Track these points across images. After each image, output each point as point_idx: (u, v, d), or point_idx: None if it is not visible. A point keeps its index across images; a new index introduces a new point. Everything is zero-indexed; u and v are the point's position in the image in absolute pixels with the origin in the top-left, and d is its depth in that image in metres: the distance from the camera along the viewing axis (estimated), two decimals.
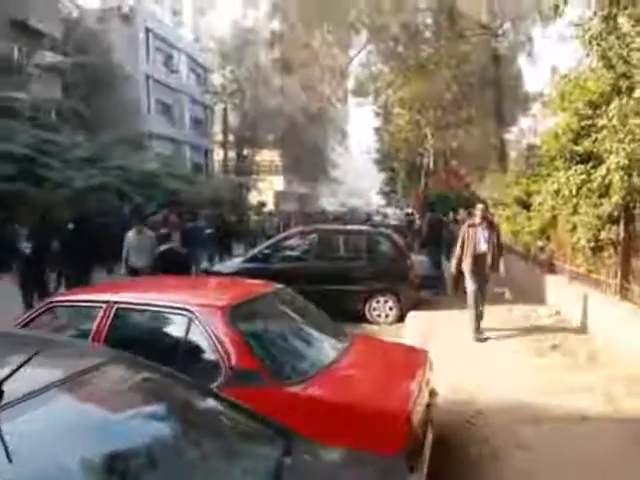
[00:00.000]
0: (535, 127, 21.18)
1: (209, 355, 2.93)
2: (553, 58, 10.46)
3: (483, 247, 6.97)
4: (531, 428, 4.07)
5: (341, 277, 8.72)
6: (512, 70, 27.26)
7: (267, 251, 8.91)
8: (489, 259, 6.96)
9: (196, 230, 11.29)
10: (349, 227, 9.15)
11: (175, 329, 3.12)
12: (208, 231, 12.03)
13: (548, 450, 3.77)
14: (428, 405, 3.70)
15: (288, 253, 9.14)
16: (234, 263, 9.19)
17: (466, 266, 7.04)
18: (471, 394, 4.84)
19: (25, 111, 22.13)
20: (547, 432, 4.01)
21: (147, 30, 33.25)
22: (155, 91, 34.10)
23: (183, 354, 3.03)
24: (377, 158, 40.91)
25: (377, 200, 69.70)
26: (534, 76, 23.19)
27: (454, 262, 7.25)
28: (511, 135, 22.88)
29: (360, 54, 22.14)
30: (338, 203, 69.21)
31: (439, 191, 20.25)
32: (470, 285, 7.05)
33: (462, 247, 7.08)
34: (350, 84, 38.09)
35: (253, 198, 44.73)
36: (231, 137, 43.88)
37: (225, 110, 43.47)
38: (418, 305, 8.93)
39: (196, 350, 3.05)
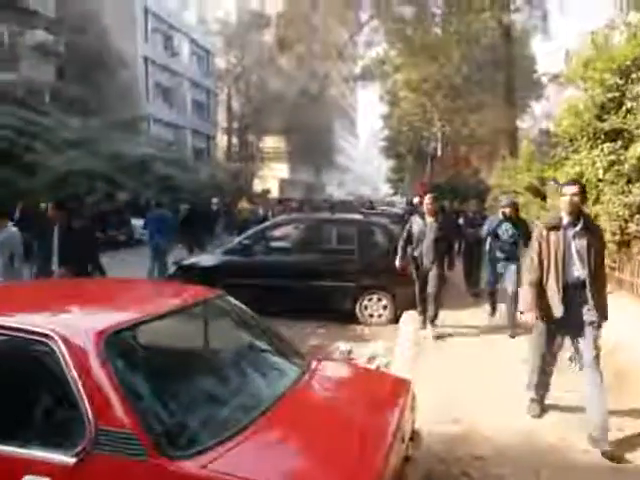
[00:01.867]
0: (549, 111, 20.02)
1: (68, 407, 1.95)
2: (571, 34, 9.37)
3: (576, 272, 3.57)
4: None
5: (329, 272, 7.73)
6: (525, 51, 25.96)
7: (246, 242, 7.92)
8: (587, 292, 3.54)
9: (159, 220, 10.26)
10: (339, 216, 8.12)
11: (24, 365, 2.13)
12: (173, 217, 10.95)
13: None
14: (407, 458, 2.72)
15: (270, 245, 8.14)
16: (207, 256, 8.20)
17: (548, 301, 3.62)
18: (470, 426, 3.84)
19: (16, 93, 21.26)
20: None
21: (146, 10, 32.15)
22: (154, 74, 33.09)
23: (31, 404, 2.06)
24: (385, 145, 39.72)
25: (386, 189, 68.69)
26: (548, 58, 21.90)
27: (530, 296, 3.69)
28: (523, 122, 21.71)
29: (365, 33, 20.87)
30: (345, 191, 68.06)
31: (446, 178, 19.11)
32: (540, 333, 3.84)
33: (541, 267, 3.65)
34: (357, 69, 37.06)
35: (257, 186, 43.85)
36: (235, 123, 42.81)
37: (229, 95, 42.38)
38: (414, 303, 7.90)
39: (50, 398, 2.08)
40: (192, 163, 30.89)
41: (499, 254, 6.54)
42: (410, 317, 7.40)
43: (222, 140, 43.69)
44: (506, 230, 6.43)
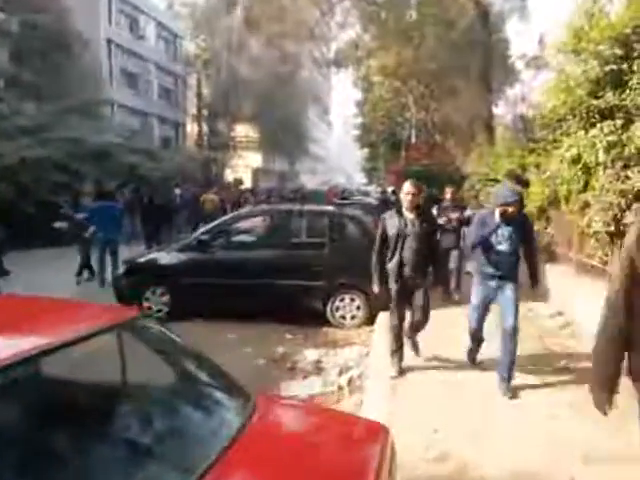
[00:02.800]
0: (525, 95, 19.53)
1: None
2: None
3: None
4: None
5: (297, 269, 7.00)
6: (500, 34, 25.43)
7: (205, 237, 7.11)
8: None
9: (104, 211, 9.29)
10: (307, 207, 7.36)
11: None
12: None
13: None
14: None
15: (231, 240, 7.35)
16: (160, 253, 7.36)
17: None
18: (461, 466, 3.16)
19: None
20: None
21: None
22: (119, 58, 31.56)
23: None
24: (358, 134, 39.01)
25: (360, 178, 68.07)
26: (519, 39, 21.38)
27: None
28: (497, 108, 21.17)
29: (338, 14, 20.06)
30: (320, 181, 67.16)
31: (420, 166, 18.50)
32: None
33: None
34: (330, 53, 36.19)
35: (229, 175, 42.69)
36: (205, 110, 41.47)
37: (199, 81, 41.02)
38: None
39: None
40: (159, 151, 29.68)
41: (491, 270, 4.38)
42: (385, 319, 6.71)
43: (192, 128, 42.36)
44: (505, 237, 4.29)
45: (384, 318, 6.75)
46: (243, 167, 48.10)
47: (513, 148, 10.18)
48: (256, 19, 20.01)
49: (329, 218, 7.11)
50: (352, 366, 5.30)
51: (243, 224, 7.43)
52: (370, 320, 6.93)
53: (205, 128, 41.16)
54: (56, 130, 16.96)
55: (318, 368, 5.33)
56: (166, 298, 7.08)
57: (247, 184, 41.74)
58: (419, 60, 23.22)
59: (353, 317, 6.96)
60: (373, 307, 6.93)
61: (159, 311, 7.12)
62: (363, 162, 44.06)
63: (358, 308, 6.95)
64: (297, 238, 7.21)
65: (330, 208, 7.26)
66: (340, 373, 5.17)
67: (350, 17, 22.21)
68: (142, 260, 7.44)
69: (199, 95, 40.65)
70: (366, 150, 39.49)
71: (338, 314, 6.97)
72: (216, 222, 7.33)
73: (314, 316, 7.02)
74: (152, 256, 7.44)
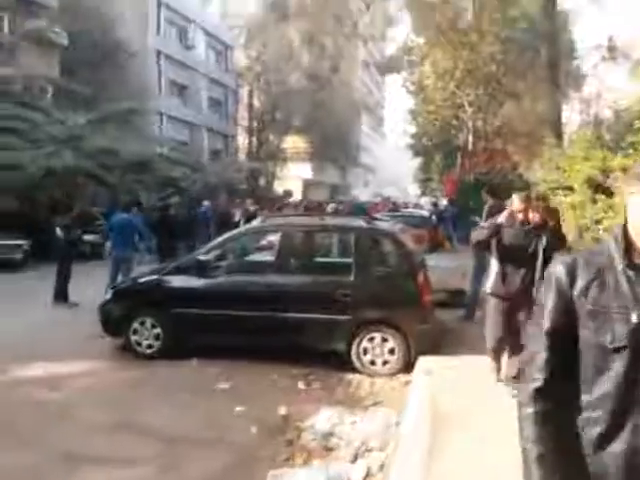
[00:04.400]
0: (600, 93, 17.38)
1: None
2: None
3: None
4: None
5: (315, 299, 5.56)
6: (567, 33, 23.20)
7: (205, 258, 5.77)
8: None
9: (125, 225, 8.28)
10: (330, 221, 5.89)
11: None
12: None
13: None
14: None
15: (237, 261, 6.00)
16: (152, 277, 6.07)
17: None
18: None
19: (13, 88, 19.83)
20: None
21: (159, 2, 30.49)
22: (167, 69, 31.39)
23: None
24: (412, 143, 37.20)
25: (414, 189, 65.97)
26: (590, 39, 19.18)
27: None
28: (566, 109, 19.02)
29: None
30: (372, 193, 65.42)
31: (478, 174, 16.66)
32: None
33: None
34: (380, 56, 34.77)
35: (279, 187, 41.85)
36: (255, 122, 40.91)
37: (250, 92, 40.59)
38: (436, 343, 5.65)
39: None
40: (206, 163, 29.10)
41: None
42: (426, 366, 5.14)
43: (244, 140, 41.89)
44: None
45: (425, 365, 5.20)
46: (293, 179, 47.37)
47: (592, 150, 8.34)
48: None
49: (357, 235, 5.60)
50: (373, 447, 3.77)
51: (252, 242, 6.06)
52: (408, 366, 5.38)
53: (255, 140, 40.61)
54: (91, 140, 16.37)
55: (326, 448, 3.83)
56: (157, 331, 5.80)
57: (297, 196, 40.79)
58: (477, 61, 21.47)
59: (385, 363, 5.42)
60: (412, 350, 5.38)
61: (149, 347, 5.85)
62: (416, 172, 42.06)
63: (392, 351, 5.40)
64: (317, 260, 5.78)
65: (360, 223, 5.77)
66: (355, 457, 3.66)
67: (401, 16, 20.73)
68: (130, 284, 6.21)
69: (250, 106, 40.19)
70: (419, 160, 37.56)
71: (366, 358, 5.44)
72: (219, 239, 5.99)
73: (333, 360, 5.53)
74: (141, 280, 6.19)
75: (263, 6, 39.11)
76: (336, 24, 18.52)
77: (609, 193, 7.80)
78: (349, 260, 5.57)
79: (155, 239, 9.54)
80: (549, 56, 16.14)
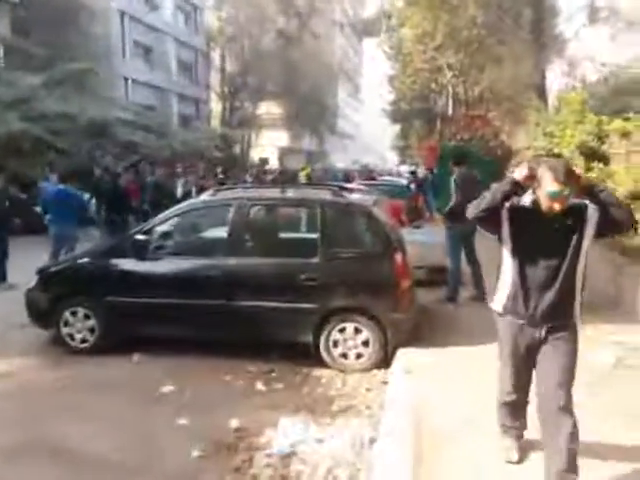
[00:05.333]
0: (588, 55, 16.60)
1: None
2: None
3: None
4: None
5: (275, 284, 4.75)
6: None
7: (143, 238, 4.89)
8: None
9: (59, 197, 7.33)
10: (293, 194, 5.00)
11: None
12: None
13: None
14: None
15: (182, 241, 5.13)
16: (83, 259, 5.17)
17: None
18: None
19: None
20: None
21: None
22: (132, 31, 29.51)
23: None
24: (391, 109, 36.11)
25: (392, 157, 65.16)
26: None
27: None
28: (549, 75, 18.18)
29: None
30: (350, 160, 64.35)
31: (458, 141, 15.89)
32: None
33: None
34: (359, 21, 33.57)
35: (255, 154, 40.61)
36: (228, 87, 39.22)
37: (222, 57, 38.82)
38: (417, 333, 4.93)
39: None
40: (175, 129, 27.71)
41: None
42: (406, 362, 4.43)
43: (216, 106, 40.27)
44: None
45: (405, 359, 4.49)
46: (270, 146, 46.06)
47: (585, 112, 7.60)
48: None
49: (322, 210, 4.77)
50: (339, 475, 3.04)
51: (200, 218, 5.18)
52: (384, 361, 4.66)
53: (229, 105, 39.02)
54: (42, 103, 15.07)
55: (282, 477, 3.08)
56: (91, 323, 4.95)
57: (273, 163, 39.57)
58: (457, 24, 20.47)
59: (358, 356, 4.68)
60: (389, 341, 4.64)
61: (83, 341, 5.01)
62: (395, 139, 41.18)
63: (366, 343, 4.66)
64: (277, 239, 4.96)
65: (325, 195, 4.94)
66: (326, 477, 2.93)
67: None
68: (59, 267, 5.31)
69: (223, 71, 38.51)
70: (398, 127, 36.63)
71: (336, 351, 4.69)
72: (160, 216, 5.10)
73: (299, 353, 4.78)
74: (70, 262, 5.29)
75: None
76: None
77: (605, 160, 7.10)
78: (315, 239, 4.74)
79: (105, 213, 8.55)
80: (533, 15, 15.30)
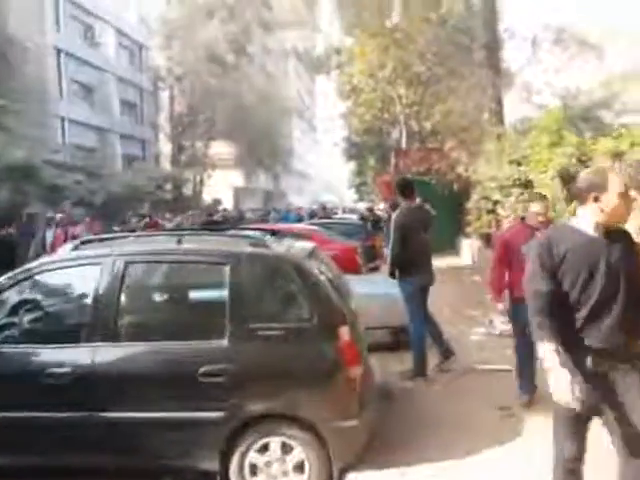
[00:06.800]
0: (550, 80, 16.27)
1: None
2: None
3: None
4: None
5: (163, 385, 3.17)
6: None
7: None
8: None
9: None
10: (194, 246, 3.47)
11: None
12: None
13: None
14: None
15: (25, 320, 3.47)
16: None
17: None
18: None
19: None
20: None
21: None
22: (70, 68, 27.95)
23: None
24: (345, 147, 35.54)
25: (350, 195, 64.90)
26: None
27: None
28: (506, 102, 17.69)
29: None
30: (309, 200, 63.58)
31: (413, 174, 14.94)
32: None
33: None
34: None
35: (208, 195, 39.08)
36: (179, 127, 37.87)
37: (171, 96, 37.62)
38: (376, 441, 3.41)
39: None
40: (116, 170, 26.00)
41: None
42: None
43: (164, 146, 38.77)
44: None
45: None
46: (224, 187, 44.58)
47: (566, 130, 6.48)
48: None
49: (236, 268, 3.25)
50: None
51: (50, 287, 3.54)
52: None
53: (176, 145, 37.59)
54: None
55: None
56: None
57: (227, 204, 38.06)
58: (407, 62, 20.12)
59: None
60: (333, 462, 3.10)
61: None
62: (352, 177, 40.56)
63: (300, 467, 3.10)
64: (165, 314, 3.41)
65: (242, 246, 3.42)
66: None
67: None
68: None
69: (172, 111, 37.24)
70: (353, 164, 35.99)
71: None
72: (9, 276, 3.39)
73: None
74: None
75: (184, 8, 36.31)
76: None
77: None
78: (222, 310, 3.21)
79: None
80: (486, 44, 14.73)
